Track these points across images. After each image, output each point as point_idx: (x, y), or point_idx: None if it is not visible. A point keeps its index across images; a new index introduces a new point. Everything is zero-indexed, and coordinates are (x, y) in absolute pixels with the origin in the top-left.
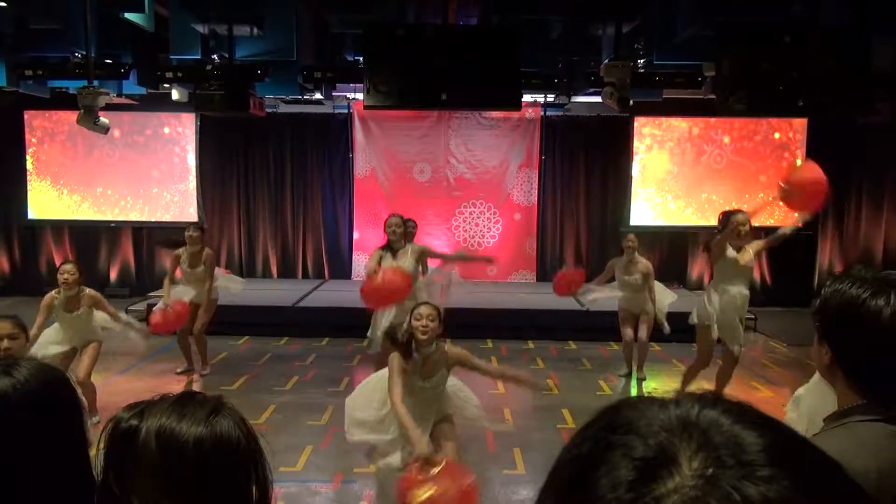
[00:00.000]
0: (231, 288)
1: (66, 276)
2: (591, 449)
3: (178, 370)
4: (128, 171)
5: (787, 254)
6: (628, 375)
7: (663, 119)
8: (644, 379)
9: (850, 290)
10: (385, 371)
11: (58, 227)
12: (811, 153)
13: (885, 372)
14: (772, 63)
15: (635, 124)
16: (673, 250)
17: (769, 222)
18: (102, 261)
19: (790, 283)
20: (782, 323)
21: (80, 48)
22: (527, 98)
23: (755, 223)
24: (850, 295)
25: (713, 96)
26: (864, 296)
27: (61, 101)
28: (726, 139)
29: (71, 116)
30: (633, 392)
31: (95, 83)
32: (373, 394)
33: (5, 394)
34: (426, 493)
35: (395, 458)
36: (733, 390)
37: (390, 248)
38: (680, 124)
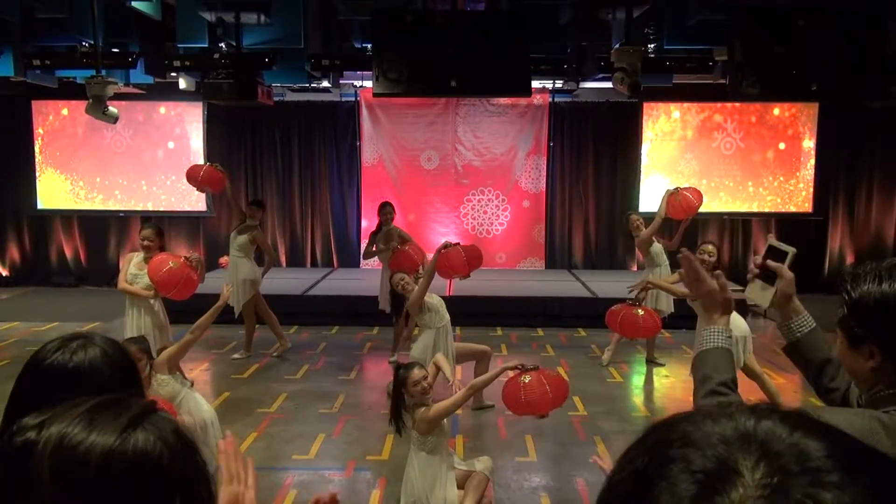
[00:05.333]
0: None
1: (146, 241)
2: (647, 464)
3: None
4: (135, 161)
5: (797, 239)
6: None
7: (673, 104)
8: (661, 365)
9: (881, 288)
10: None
11: (66, 217)
12: (822, 137)
13: None
14: (785, 47)
15: (644, 110)
16: (683, 236)
17: (791, 208)
18: (112, 251)
19: (800, 269)
20: None
21: (88, 37)
22: (535, 84)
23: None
24: (884, 291)
25: (724, 81)
26: None
27: (69, 91)
28: (736, 124)
29: (79, 106)
30: (643, 379)
31: (103, 72)
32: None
33: (98, 367)
34: (527, 377)
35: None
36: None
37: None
38: (690, 109)
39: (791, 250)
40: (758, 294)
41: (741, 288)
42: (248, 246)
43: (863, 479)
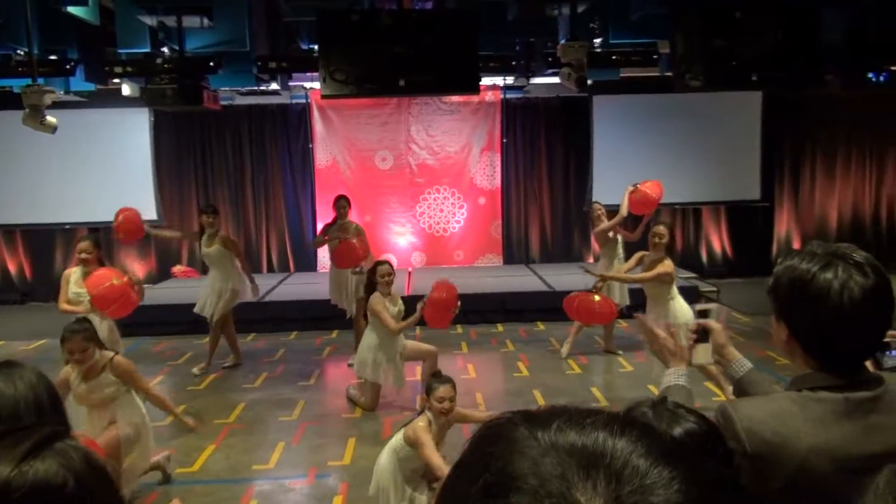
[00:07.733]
0: None
1: (83, 254)
2: None
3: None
4: (80, 172)
5: (746, 225)
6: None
7: (622, 97)
8: (618, 355)
9: (800, 266)
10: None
11: (9, 231)
12: (766, 125)
13: (838, 344)
14: (725, 39)
15: (594, 103)
16: (645, 228)
17: (739, 196)
18: (58, 264)
19: (749, 254)
20: (743, 294)
21: (22, 45)
22: (486, 81)
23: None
24: (800, 270)
25: (670, 74)
26: (814, 270)
27: (5, 101)
28: (684, 115)
29: (15, 116)
30: (601, 370)
31: (40, 81)
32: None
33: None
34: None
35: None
36: None
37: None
38: (639, 101)
39: (714, 306)
40: (701, 355)
41: (693, 275)
42: (223, 255)
43: None
